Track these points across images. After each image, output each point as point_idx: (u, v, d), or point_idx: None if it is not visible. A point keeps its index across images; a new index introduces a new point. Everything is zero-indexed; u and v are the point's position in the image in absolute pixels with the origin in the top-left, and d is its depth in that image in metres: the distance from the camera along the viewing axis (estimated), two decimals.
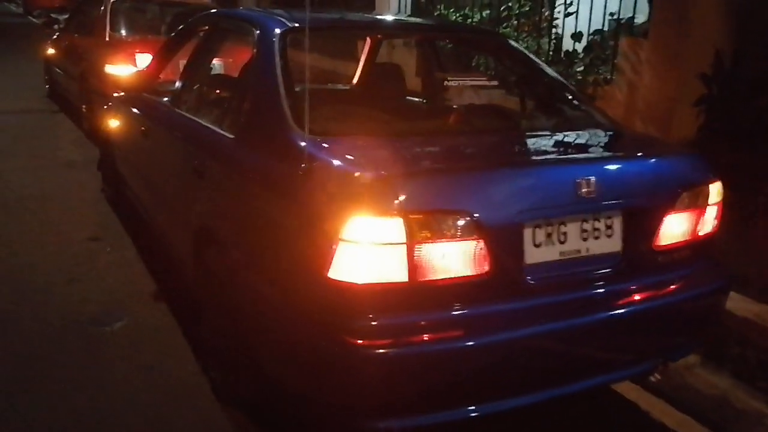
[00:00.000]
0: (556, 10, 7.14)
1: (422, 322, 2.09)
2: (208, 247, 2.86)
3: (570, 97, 3.11)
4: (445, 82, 2.85)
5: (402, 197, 2.01)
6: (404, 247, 2.02)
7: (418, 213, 2.03)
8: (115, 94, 5.11)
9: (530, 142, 2.70)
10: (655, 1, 5.39)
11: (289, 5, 11.94)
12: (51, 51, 9.24)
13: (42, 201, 5.31)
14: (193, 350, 3.22)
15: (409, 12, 8.92)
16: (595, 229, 2.35)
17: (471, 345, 2.11)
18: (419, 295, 2.09)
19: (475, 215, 2.08)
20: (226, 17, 3.63)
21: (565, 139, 2.63)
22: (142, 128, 3.92)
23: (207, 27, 3.73)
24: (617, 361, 2.51)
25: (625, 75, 5.66)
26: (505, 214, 2.16)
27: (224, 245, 2.68)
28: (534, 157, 2.58)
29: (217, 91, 3.38)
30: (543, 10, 7.18)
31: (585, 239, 2.34)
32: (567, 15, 6.44)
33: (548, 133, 2.78)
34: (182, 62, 4.72)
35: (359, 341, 2.04)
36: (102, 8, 7.29)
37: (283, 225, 2.29)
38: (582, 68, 6.13)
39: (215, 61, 6.98)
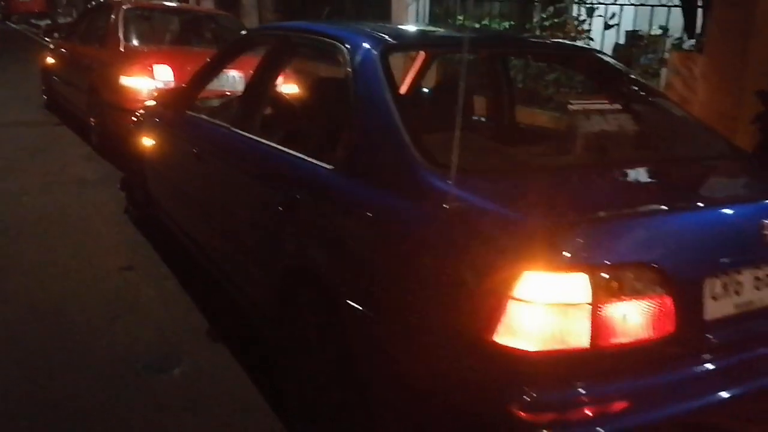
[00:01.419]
0: (586, 22, 6.94)
1: (605, 393, 1.79)
2: (303, 290, 2.54)
3: (691, 121, 2.83)
4: (569, 106, 2.56)
5: (587, 248, 1.72)
6: (588, 307, 1.72)
7: (604, 267, 1.73)
8: (145, 110, 4.78)
9: (694, 176, 2.41)
10: (711, 17, 5.19)
11: (290, 12, 11.64)
12: (50, 60, 8.80)
13: (62, 224, 4.92)
14: (268, 401, 2.89)
15: (427, 22, 8.66)
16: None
17: (660, 417, 1.81)
18: (600, 361, 1.79)
19: (663, 267, 1.79)
20: (299, 32, 3.26)
21: (725, 172, 2.36)
22: (194, 150, 3.57)
23: (272, 43, 3.37)
24: None
25: (675, 90, 5.44)
26: (690, 265, 1.89)
27: (332, 291, 2.36)
28: (717, 196, 2.29)
29: (301, 115, 3.05)
30: (575, 22, 6.96)
31: (758, 289, 2.06)
32: (607, 27, 6.21)
33: (703, 164, 2.50)
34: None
35: (532, 416, 1.73)
36: (113, 17, 6.91)
37: (423, 277, 1.97)
38: None
39: (233, 72, 6.68)
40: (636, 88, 3.06)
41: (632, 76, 3.15)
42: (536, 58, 5.25)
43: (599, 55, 3.29)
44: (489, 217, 1.88)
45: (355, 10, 9.82)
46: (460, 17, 8.32)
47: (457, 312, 1.85)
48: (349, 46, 2.65)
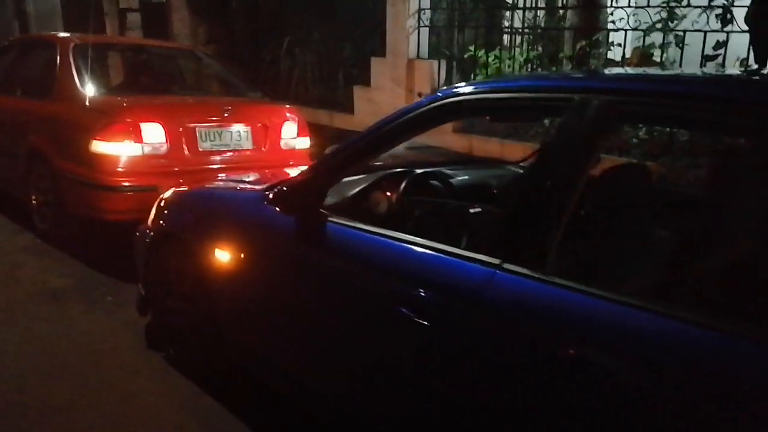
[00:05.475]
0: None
1: None
2: None
3: None
4: None
5: None
6: None
7: None
8: (188, 200, 3.22)
9: None
10: None
11: (228, 45, 9.94)
12: None
13: (63, 384, 3.12)
14: None
15: (426, 57, 7.38)
16: None
17: None
18: None
19: None
20: (645, 96, 1.79)
21: None
22: (389, 293, 2.08)
23: (560, 111, 1.93)
24: None
25: None
26: None
27: None
28: None
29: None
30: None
31: None
32: (710, 59, 5.21)
33: None
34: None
35: None
36: (59, 58, 5.10)
37: None
38: None
39: (238, 126, 5.11)
40: None
41: None
42: None
43: None
44: None
45: (324, 43, 8.25)
46: (470, 48, 7.16)
47: None
48: None
